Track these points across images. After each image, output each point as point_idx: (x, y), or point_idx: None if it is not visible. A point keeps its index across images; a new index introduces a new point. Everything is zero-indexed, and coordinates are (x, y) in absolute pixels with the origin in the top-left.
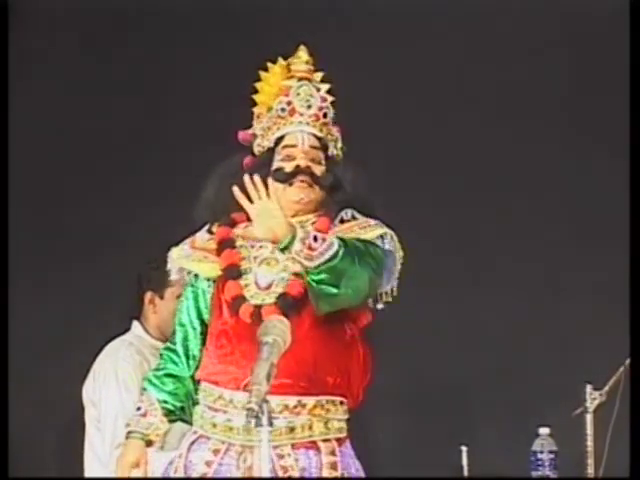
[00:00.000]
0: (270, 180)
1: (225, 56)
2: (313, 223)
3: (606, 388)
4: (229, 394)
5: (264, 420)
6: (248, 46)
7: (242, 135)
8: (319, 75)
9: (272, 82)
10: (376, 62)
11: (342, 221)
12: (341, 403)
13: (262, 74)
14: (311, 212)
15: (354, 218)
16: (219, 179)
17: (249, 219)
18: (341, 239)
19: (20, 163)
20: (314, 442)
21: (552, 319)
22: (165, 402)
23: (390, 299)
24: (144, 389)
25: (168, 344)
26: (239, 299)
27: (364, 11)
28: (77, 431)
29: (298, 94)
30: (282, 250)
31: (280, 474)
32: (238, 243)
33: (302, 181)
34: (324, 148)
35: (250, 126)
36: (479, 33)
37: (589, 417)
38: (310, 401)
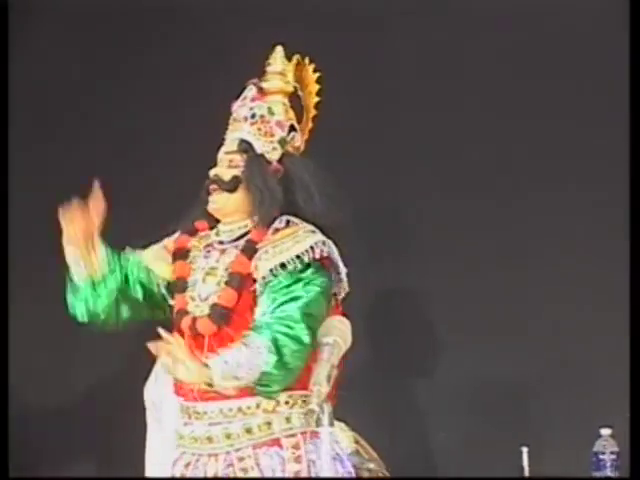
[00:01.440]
0: None
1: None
2: (247, 232)
3: None
4: (192, 406)
5: (325, 420)
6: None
7: None
8: (314, 75)
9: None
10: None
11: (276, 230)
12: (300, 396)
13: None
14: (244, 216)
15: (288, 225)
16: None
17: (210, 227)
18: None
19: (20, 163)
20: (276, 440)
21: (616, 318)
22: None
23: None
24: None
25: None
26: (181, 312)
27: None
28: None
29: (243, 99)
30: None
31: (240, 475)
32: (192, 253)
33: (214, 189)
34: (245, 150)
35: None
36: (479, 33)
37: None
38: (264, 400)
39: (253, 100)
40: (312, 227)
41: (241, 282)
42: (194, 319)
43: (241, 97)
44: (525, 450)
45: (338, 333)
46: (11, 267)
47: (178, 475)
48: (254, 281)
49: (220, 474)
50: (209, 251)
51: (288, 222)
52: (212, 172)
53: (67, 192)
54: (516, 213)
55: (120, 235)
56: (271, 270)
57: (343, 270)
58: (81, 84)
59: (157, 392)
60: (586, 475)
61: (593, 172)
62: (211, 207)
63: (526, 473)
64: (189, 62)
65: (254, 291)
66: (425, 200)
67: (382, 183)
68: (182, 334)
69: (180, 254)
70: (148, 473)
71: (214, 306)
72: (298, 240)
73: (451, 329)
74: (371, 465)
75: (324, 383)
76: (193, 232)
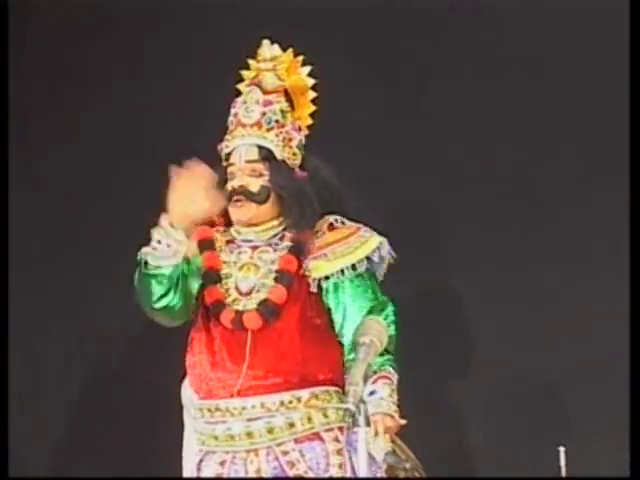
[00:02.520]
0: None
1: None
2: (284, 229)
3: None
4: (224, 403)
5: (361, 420)
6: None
7: (220, 147)
8: (304, 69)
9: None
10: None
11: (331, 227)
12: (336, 392)
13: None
14: (272, 219)
15: (343, 223)
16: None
17: (226, 224)
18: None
19: (20, 163)
20: (316, 433)
21: None
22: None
23: None
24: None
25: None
26: (219, 304)
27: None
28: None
29: (245, 102)
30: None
31: (287, 470)
32: (217, 245)
33: (237, 201)
34: (266, 157)
35: None
36: (478, 33)
37: None
38: (304, 394)
39: (265, 104)
40: (368, 228)
41: (290, 280)
42: (238, 313)
43: (241, 100)
44: (562, 450)
45: (374, 333)
46: (11, 267)
47: (212, 474)
48: (302, 278)
49: (265, 469)
50: (236, 247)
51: (342, 221)
52: (235, 183)
53: (67, 192)
54: (548, 212)
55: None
56: (342, 270)
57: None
58: (81, 84)
59: None
60: (623, 475)
61: (593, 172)
62: (237, 218)
63: (563, 473)
64: (189, 60)
65: (306, 289)
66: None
67: (409, 182)
68: (216, 327)
69: (206, 244)
70: (186, 471)
71: (265, 302)
72: (363, 241)
73: (484, 328)
74: (407, 465)
75: (360, 383)
76: (212, 224)
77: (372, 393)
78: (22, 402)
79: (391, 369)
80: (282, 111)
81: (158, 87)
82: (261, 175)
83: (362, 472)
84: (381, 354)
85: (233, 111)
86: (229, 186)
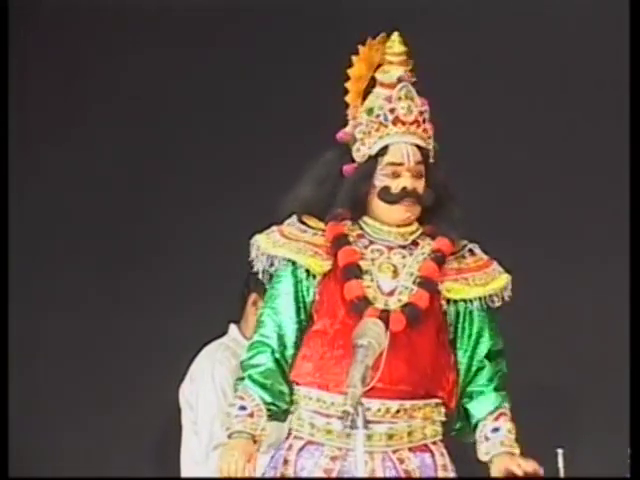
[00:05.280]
0: (375, 196)
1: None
2: (422, 233)
3: None
4: (344, 399)
5: (359, 423)
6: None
7: (341, 135)
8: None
9: (364, 66)
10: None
11: (472, 253)
12: (444, 405)
13: (354, 58)
14: (414, 222)
15: (480, 252)
16: (316, 180)
17: (352, 217)
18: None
19: (20, 164)
20: (426, 445)
21: None
22: (273, 404)
23: None
24: (245, 386)
25: (260, 338)
26: (363, 300)
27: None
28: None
29: (399, 98)
30: None
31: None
32: (351, 240)
33: (406, 203)
34: (425, 159)
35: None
36: (479, 33)
37: None
38: (424, 405)
39: (422, 104)
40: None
41: (432, 287)
42: (384, 312)
43: (396, 95)
44: (560, 452)
45: (373, 335)
46: (11, 267)
47: (317, 467)
48: (438, 293)
49: (379, 473)
50: (369, 243)
51: (480, 250)
52: (409, 185)
53: (67, 192)
54: (548, 214)
55: None
56: (480, 298)
57: None
58: (81, 84)
59: (192, 393)
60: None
61: (592, 172)
62: (401, 218)
63: (561, 474)
64: (191, 62)
65: (438, 304)
66: None
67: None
68: (349, 322)
69: (342, 240)
70: (184, 472)
71: (410, 305)
72: (497, 275)
73: None
74: None
75: (359, 385)
76: (340, 219)
77: (495, 430)
78: (22, 402)
79: (508, 406)
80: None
81: (159, 86)
82: (421, 177)
83: (360, 472)
84: (496, 389)
85: (388, 105)
86: (395, 186)
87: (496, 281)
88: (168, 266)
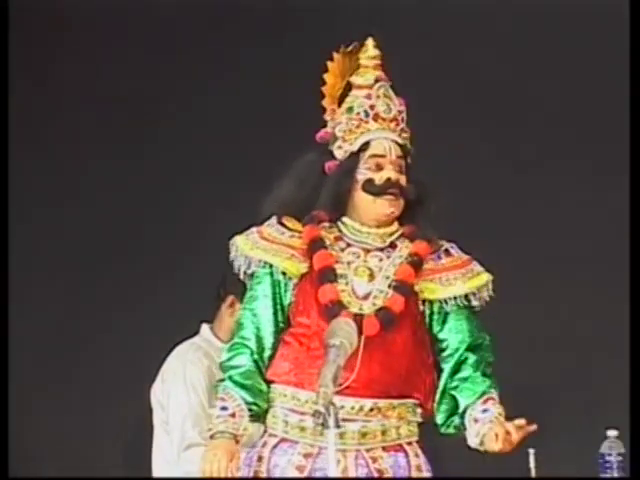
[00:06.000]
0: (358, 191)
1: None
2: (401, 235)
3: None
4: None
5: (331, 422)
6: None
7: (322, 134)
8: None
9: (338, 73)
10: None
11: (448, 253)
12: (420, 406)
13: (329, 64)
14: (392, 223)
15: (457, 251)
16: (297, 180)
17: (330, 219)
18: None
19: (20, 164)
20: (400, 445)
21: (620, 320)
22: (254, 404)
23: None
24: (225, 387)
25: (239, 340)
26: (337, 304)
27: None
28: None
29: (378, 96)
30: None
31: (376, 475)
32: (327, 244)
33: (391, 193)
34: (405, 156)
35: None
36: (479, 33)
37: None
38: (399, 404)
39: (400, 103)
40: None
41: (408, 292)
42: (357, 316)
43: (375, 93)
44: (532, 452)
45: (344, 335)
46: (11, 267)
47: (290, 464)
48: (415, 295)
49: (352, 471)
50: (346, 246)
51: (457, 250)
52: (392, 176)
53: (67, 193)
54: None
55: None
56: (456, 297)
57: None
58: (81, 84)
59: (164, 393)
60: (593, 476)
61: (593, 172)
62: (384, 213)
63: (533, 474)
64: (192, 61)
65: (415, 306)
66: None
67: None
68: (322, 325)
69: (318, 243)
70: (156, 472)
71: (384, 309)
72: (475, 274)
73: None
74: None
75: (330, 384)
76: (317, 222)
77: (485, 411)
78: (22, 402)
79: (496, 392)
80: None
81: (160, 85)
82: (403, 172)
83: (331, 472)
84: (483, 374)
85: (367, 102)
86: (379, 177)
87: (473, 280)
88: (138, 267)
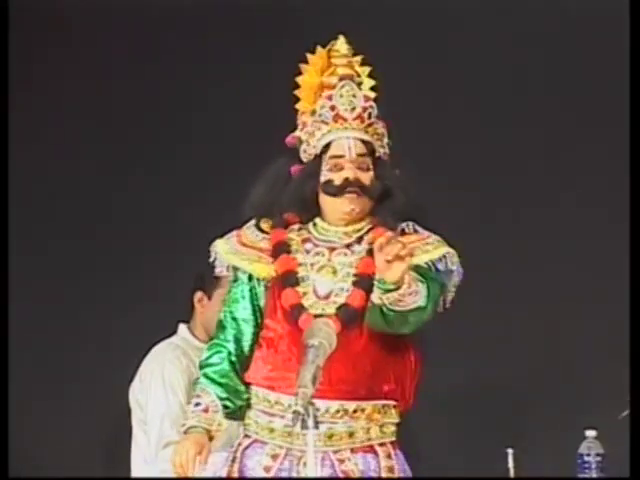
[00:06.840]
0: (320, 192)
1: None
2: (368, 231)
3: None
4: (287, 399)
5: (310, 423)
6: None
7: (289, 139)
8: (365, 69)
9: (312, 74)
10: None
11: (403, 233)
12: (394, 407)
13: (302, 66)
14: (361, 220)
15: (415, 231)
16: (267, 183)
17: (301, 221)
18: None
19: (20, 164)
20: (371, 446)
21: (599, 321)
22: (228, 400)
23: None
24: (200, 383)
25: (218, 340)
26: (298, 308)
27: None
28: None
29: (341, 95)
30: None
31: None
32: (293, 247)
33: (351, 192)
34: (371, 152)
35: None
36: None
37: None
38: (368, 406)
39: (365, 100)
40: (440, 238)
41: (370, 284)
42: (317, 317)
43: (337, 93)
44: (510, 452)
45: (324, 335)
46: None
47: (258, 465)
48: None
49: (319, 473)
50: (313, 247)
51: (415, 228)
52: (350, 175)
53: (67, 193)
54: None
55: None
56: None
57: (453, 285)
58: (81, 84)
59: (142, 393)
60: (572, 476)
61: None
62: (344, 211)
63: (511, 475)
64: (190, 61)
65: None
66: None
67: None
68: (290, 328)
69: (281, 248)
70: (135, 472)
71: (344, 306)
72: (432, 248)
73: (437, 330)
74: None
75: (309, 385)
76: (286, 225)
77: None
78: (22, 402)
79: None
80: (376, 108)
81: (160, 85)
82: (369, 170)
83: (311, 473)
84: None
85: (329, 103)
86: (338, 177)
87: (430, 253)
88: (117, 266)
